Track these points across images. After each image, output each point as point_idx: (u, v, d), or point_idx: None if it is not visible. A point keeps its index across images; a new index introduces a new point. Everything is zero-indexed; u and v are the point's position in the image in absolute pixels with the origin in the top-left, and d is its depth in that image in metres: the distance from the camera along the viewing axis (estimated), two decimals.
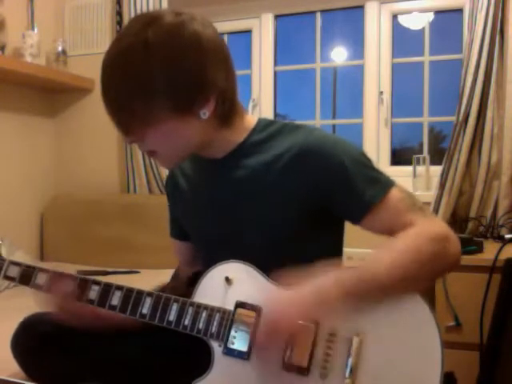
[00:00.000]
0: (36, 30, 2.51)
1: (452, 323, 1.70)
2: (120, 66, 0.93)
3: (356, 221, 1.01)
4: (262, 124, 1.08)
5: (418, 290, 0.92)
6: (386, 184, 1.00)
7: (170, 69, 0.91)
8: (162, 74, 0.91)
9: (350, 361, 0.89)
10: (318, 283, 0.90)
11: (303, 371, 0.91)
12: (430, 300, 0.93)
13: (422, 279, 0.93)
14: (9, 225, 2.41)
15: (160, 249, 2.16)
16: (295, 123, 1.08)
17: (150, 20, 0.93)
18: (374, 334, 0.91)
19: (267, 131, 1.07)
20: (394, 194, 0.98)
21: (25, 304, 1.18)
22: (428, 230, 0.94)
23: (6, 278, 1.11)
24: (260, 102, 2.63)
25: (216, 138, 1.03)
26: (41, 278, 1.08)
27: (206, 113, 0.96)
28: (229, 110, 1.01)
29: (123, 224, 2.47)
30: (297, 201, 1.01)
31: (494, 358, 1.51)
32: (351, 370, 0.89)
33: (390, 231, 0.96)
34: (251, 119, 1.09)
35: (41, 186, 2.70)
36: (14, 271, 1.10)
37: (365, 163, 1.01)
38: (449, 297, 1.70)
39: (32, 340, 1.10)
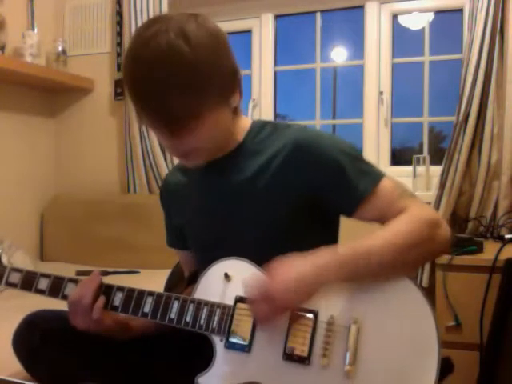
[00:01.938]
0: (36, 30, 2.51)
1: (452, 323, 1.70)
2: (167, 65, 0.90)
3: (349, 212, 1.03)
4: (257, 125, 1.11)
5: (407, 272, 0.96)
6: (377, 175, 1.03)
7: (213, 61, 0.94)
8: (207, 67, 0.93)
9: (349, 348, 0.91)
10: (314, 259, 0.92)
11: (304, 360, 0.93)
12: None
13: (411, 261, 0.96)
14: (9, 225, 2.42)
15: (160, 249, 2.15)
16: (286, 123, 1.12)
17: (184, 18, 0.94)
18: (370, 322, 0.92)
19: (262, 133, 1.10)
20: (385, 183, 1.02)
21: (24, 304, 1.18)
22: (419, 214, 0.97)
23: (8, 284, 1.13)
24: (260, 102, 2.63)
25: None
26: (42, 284, 1.10)
27: (234, 102, 1.00)
28: (240, 101, 1.05)
29: (123, 224, 2.47)
30: (292, 198, 1.03)
31: (494, 358, 1.51)
32: (351, 358, 0.90)
33: (383, 219, 0.99)
34: (246, 120, 1.12)
35: (41, 186, 2.70)
36: (15, 277, 1.12)
37: (356, 156, 1.05)
38: (449, 297, 1.70)
39: (34, 337, 1.09)
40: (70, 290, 1.08)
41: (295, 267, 0.91)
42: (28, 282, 1.11)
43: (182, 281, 1.26)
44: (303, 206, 1.03)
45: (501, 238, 1.91)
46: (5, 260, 1.18)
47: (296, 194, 1.03)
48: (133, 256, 2.40)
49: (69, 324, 1.06)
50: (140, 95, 0.94)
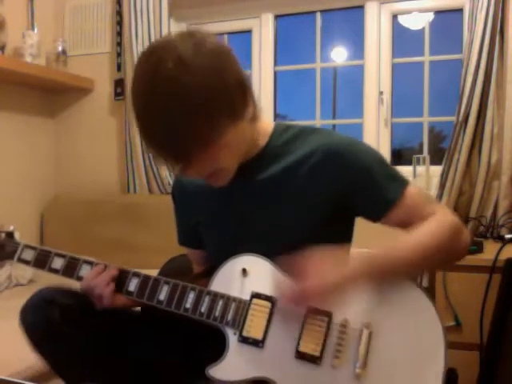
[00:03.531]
0: (36, 30, 2.51)
1: (452, 323, 1.70)
2: (171, 94, 0.88)
3: (378, 217, 1.05)
4: (280, 128, 1.11)
5: (432, 270, 0.99)
6: (404, 181, 1.05)
7: (217, 82, 0.90)
8: (212, 90, 0.89)
9: (361, 351, 0.92)
10: (351, 265, 0.95)
11: (316, 360, 0.94)
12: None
13: (438, 262, 1.03)
14: (9, 225, 2.41)
15: (160, 249, 2.16)
16: (311, 127, 1.12)
17: (182, 42, 0.91)
18: (381, 328, 0.94)
19: (286, 136, 1.09)
20: (411, 189, 1.04)
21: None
22: (446, 219, 1.01)
23: (21, 261, 1.12)
24: (260, 102, 2.62)
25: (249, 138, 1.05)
26: (57, 263, 1.11)
27: (249, 113, 0.98)
28: (255, 109, 1.03)
29: (123, 224, 2.47)
30: (320, 202, 1.04)
31: (494, 358, 1.51)
32: (362, 361, 0.92)
33: (409, 224, 1.01)
34: (268, 123, 1.12)
35: (41, 185, 2.70)
36: (28, 255, 1.12)
37: (384, 162, 1.07)
38: (449, 297, 1.70)
39: (54, 313, 1.06)
40: (84, 271, 1.09)
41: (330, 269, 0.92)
42: (42, 260, 1.11)
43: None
44: (329, 210, 1.04)
45: (501, 238, 1.91)
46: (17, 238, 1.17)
47: (324, 199, 1.04)
48: (133, 256, 2.40)
49: (85, 300, 1.07)
50: (148, 133, 0.94)
